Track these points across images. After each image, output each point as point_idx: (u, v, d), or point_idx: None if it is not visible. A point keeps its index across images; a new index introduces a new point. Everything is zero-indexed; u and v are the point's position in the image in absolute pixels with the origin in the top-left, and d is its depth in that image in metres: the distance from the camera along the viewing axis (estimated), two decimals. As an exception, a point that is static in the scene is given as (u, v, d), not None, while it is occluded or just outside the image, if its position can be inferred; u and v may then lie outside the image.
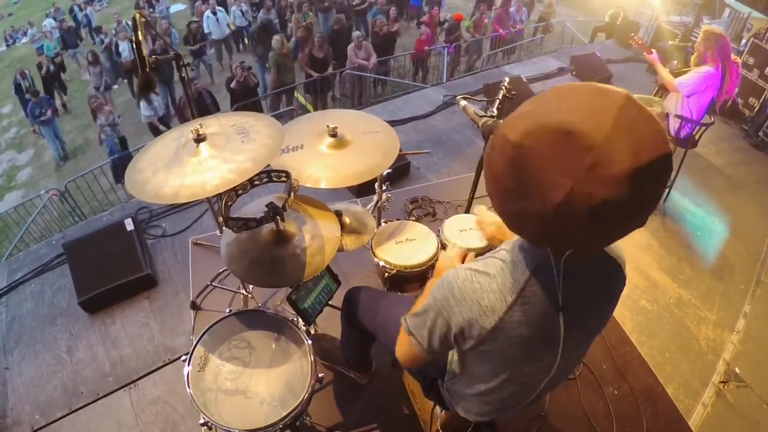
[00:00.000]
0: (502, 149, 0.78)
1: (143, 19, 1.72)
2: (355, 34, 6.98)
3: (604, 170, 0.68)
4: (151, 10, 10.55)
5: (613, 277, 1.01)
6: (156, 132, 6.51)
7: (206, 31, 8.69)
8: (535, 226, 0.79)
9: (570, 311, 0.92)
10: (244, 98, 6.05)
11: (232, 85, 6.10)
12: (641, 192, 0.70)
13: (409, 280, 2.02)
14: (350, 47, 6.82)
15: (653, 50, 3.55)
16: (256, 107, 6.43)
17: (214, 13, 8.65)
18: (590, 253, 0.91)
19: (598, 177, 0.68)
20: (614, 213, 0.71)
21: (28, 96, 7.64)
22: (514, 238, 0.93)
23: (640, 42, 3.64)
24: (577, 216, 0.71)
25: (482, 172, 2.16)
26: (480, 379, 1.13)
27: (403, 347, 1.18)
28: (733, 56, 3.18)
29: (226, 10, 9.50)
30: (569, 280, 0.89)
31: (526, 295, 0.91)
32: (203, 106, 5.74)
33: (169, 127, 6.36)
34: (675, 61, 3.97)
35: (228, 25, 9.00)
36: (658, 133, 0.71)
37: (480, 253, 1.86)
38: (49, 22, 10.77)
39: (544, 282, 0.90)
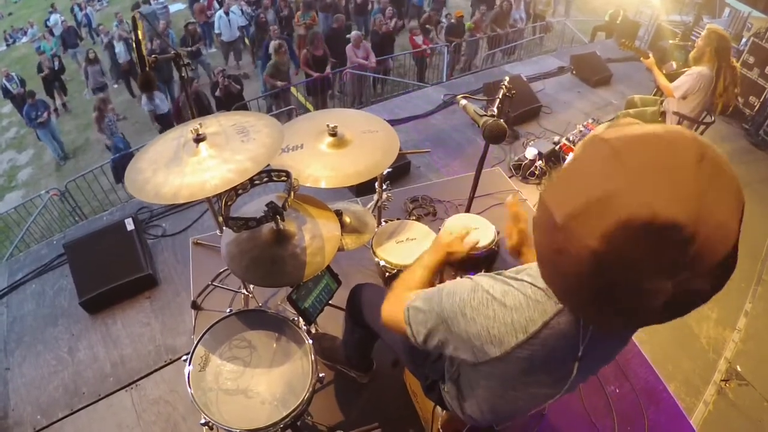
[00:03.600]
0: (578, 256, 0.64)
1: (142, 20, 1.72)
2: (354, 33, 6.96)
3: (706, 261, 0.59)
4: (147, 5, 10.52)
5: None
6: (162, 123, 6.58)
7: (217, 31, 8.50)
8: (605, 316, 0.71)
9: (583, 359, 0.89)
10: (230, 104, 6.07)
11: (217, 93, 6.14)
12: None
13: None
14: (349, 47, 6.81)
15: (650, 54, 3.53)
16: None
17: (227, 14, 8.31)
18: None
19: (700, 271, 0.59)
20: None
21: (15, 93, 7.64)
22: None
23: (632, 46, 3.63)
24: (662, 309, 0.64)
25: (482, 166, 2.14)
26: (477, 389, 1.14)
27: (394, 318, 1.12)
28: (732, 60, 3.18)
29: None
30: (591, 336, 0.86)
31: (540, 337, 0.86)
32: (202, 106, 5.75)
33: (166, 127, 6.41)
34: (673, 63, 3.97)
35: (238, 27, 8.85)
36: (737, 185, 0.62)
37: (476, 254, 1.86)
38: (54, 19, 10.77)
39: (562, 328, 0.85)
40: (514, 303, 0.88)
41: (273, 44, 6.35)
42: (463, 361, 0.99)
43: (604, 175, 0.63)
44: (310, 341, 1.60)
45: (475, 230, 2.00)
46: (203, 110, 5.60)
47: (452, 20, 8.31)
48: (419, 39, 7.79)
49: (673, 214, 0.57)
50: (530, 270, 0.91)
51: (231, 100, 6.15)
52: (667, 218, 0.57)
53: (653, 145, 0.62)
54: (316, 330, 2.21)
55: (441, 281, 1.30)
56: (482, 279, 0.95)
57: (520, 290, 0.89)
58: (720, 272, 0.61)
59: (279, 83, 6.33)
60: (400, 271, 1.97)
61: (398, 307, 1.11)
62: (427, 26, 8.59)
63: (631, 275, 0.61)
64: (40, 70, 8.32)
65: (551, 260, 0.71)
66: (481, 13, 8.87)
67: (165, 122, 6.62)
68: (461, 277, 1.01)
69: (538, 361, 0.90)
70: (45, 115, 6.95)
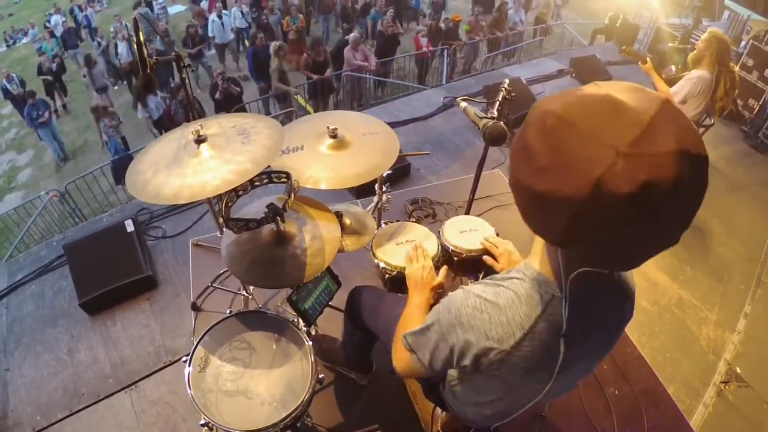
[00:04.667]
0: (540, 122, 0.72)
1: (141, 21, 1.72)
2: (352, 35, 6.97)
3: (650, 146, 0.63)
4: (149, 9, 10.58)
5: (622, 306, 0.98)
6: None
7: (210, 35, 8.63)
8: (563, 217, 0.69)
9: (573, 340, 0.89)
10: (230, 107, 6.09)
11: (216, 96, 6.15)
12: (686, 184, 0.64)
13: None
14: (347, 49, 6.82)
15: (648, 58, 3.54)
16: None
17: (220, 17, 8.53)
18: (615, 266, 0.83)
19: (643, 152, 0.63)
20: (658, 203, 0.64)
21: (16, 94, 7.67)
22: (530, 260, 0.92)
23: (632, 52, 3.64)
24: (616, 199, 0.63)
25: (481, 169, 2.15)
26: (476, 392, 1.14)
27: (403, 361, 1.14)
28: (732, 65, 3.18)
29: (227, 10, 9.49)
30: (579, 311, 0.86)
31: (536, 331, 0.87)
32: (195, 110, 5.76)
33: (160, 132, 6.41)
34: (672, 66, 3.98)
35: (232, 29, 8.91)
36: (697, 134, 0.68)
37: (476, 256, 1.87)
38: (55, 19, 10.82)
39: (555, 316, 0.86)
40: (506, 302, 0.89)
41: (273, 46, 6.37)
42: (468, 369, 0.99)
43: (582, 86, 0.74)
44: (310, 342, 1.60)
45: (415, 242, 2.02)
46: (197, 115, 5.60)
47: (449, 24, 8.33)
48: (424, 41, 7.80)
49: (630, 102, 0.66)
50: (519, 267, 0.93)
51: (231, 103, 6.16)
52: (624, 100, 0.67)
53: (632, 86, 0.71)
54: (316, 331, 2.21)
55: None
56: (474, 286, 0.96)
57: (511, 288, 0.90)
58: (658, 168, 0.63)
59: (284, 86, 6.37)
60: (399, 273, 1.97)
61: (400, 349, 1.14)
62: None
63: (581, 134, 0.67)
64: (40, 71, 8.33)
65: (520, 137, 0.76)
66: (475, 14, 8.90)
67: (161, 126, 6.58)
68: (461, 282, 1.02)
69: (537, 358, 0.90)
70: (46, 114, 6.95)
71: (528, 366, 0.91)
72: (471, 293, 0.94)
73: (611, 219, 0.66)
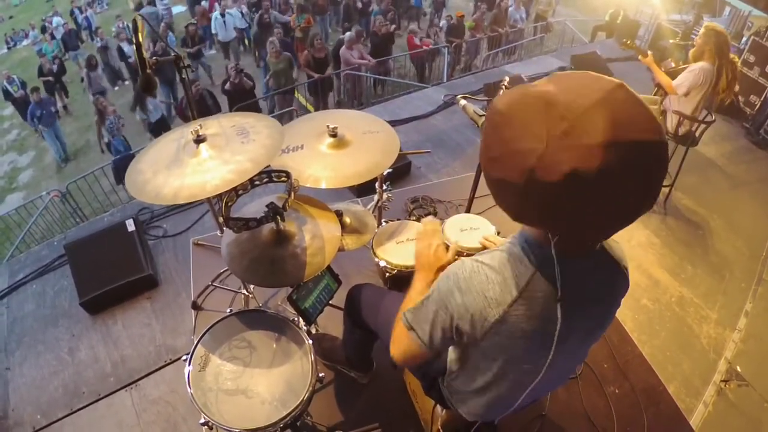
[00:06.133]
0: (490, 118, 0.82)
1: (143, 22, 1.72)
2: (347, 34, 6.95)
3: (576, 139, 0.69)
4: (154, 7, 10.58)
5: (613, 279, 1.01)
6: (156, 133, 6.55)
7: (213, 32, 8.66)
8: (514, 198, 0.80)
9: (568, 307, 0.91)
10: (241, 100, 6.08)
11: (227, 87, 6.14)
12: (615, 171, 0.69)
13: (411, 280, 2.01)
14: (343, 49, 6.80)
15: (649, 52, 3.54)
16: (255, 109, 6.45)
17: (223, 15, 8.62)
18: (580, 242, 0.89)
19: (569, 144, 0.69)
20: (586, 190, 0.70)
21: (17, 96, 7.67)
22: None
23: (633, 45, 3.63)
24: (548, 186, 0.71)
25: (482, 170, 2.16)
26: (478, 375, 1.13)
27: (402, 344, 1.15)
28: (731, 56, 3.18)
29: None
30: (570, 277, 0.89)
31: (531, 289, 0.91)
32: (204, 106, 5.77)
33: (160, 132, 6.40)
34: (670, 59, 3.97)
35: (234, 28, 8.95)
36: (647, 120, 0.71)
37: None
38: (56, 21, 10.83)
39: (547, 276, 0.90)
40: (501, 263, 0.94)
41: (269, 41, 6.43)
42: (466, 340, 0.99)
43: (539, 81, 0.80)
44: (310, 341, 1.60)
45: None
46: (206, 111, 5.61)
47: (453, 21, 8.31)
48: (417, 40, 7.80)
49: (561, 99, 0.72)
50: (511, 235, 1.00)
51: (243, 96, 6.16)
52: (555, 98, 0.73)
53: (586, 75, 0.78)
54: (317, 330, 2.21)
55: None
56: (471, 256, 1.01)
57: (505, 251, 0.95)
58: (584, 158, 0.69)
59: (270, 83, 6.41)
60: (400, 272, 1.97)
61: (399, 331, 1.14)
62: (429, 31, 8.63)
63: (517, 129, 0.76)
64: (41, 72, 8.33)
65: (483, 130, 0.87)
66: (481, 12, 8.89)
67: (157, 130, 6.56)
68: None
69: (535, 318, 0.92)
70: (53, 109, 6.95)
71: (526, 328, 0.93)
72: (468, 260, 0.99)
73: (549, 201, 0.74)
